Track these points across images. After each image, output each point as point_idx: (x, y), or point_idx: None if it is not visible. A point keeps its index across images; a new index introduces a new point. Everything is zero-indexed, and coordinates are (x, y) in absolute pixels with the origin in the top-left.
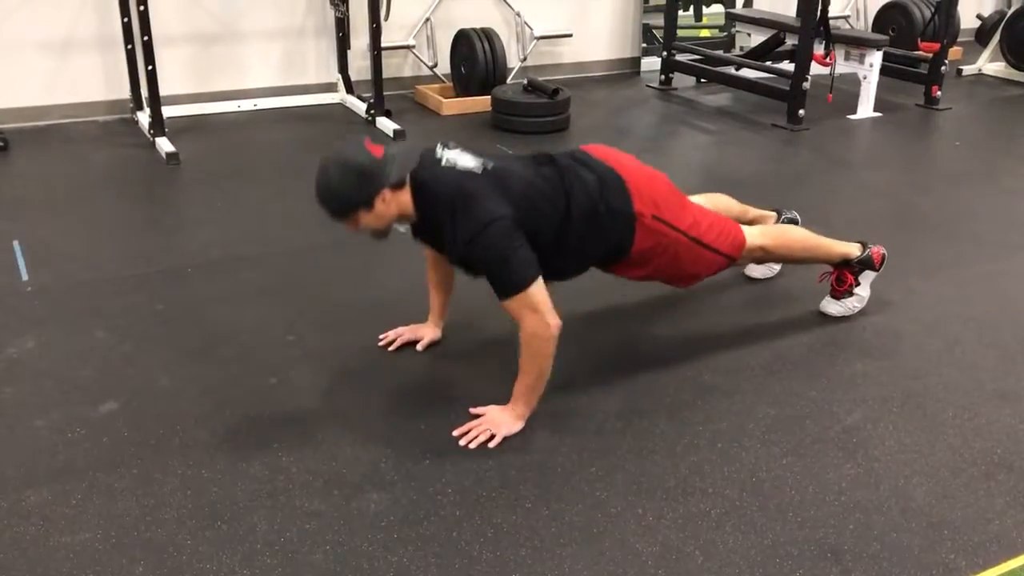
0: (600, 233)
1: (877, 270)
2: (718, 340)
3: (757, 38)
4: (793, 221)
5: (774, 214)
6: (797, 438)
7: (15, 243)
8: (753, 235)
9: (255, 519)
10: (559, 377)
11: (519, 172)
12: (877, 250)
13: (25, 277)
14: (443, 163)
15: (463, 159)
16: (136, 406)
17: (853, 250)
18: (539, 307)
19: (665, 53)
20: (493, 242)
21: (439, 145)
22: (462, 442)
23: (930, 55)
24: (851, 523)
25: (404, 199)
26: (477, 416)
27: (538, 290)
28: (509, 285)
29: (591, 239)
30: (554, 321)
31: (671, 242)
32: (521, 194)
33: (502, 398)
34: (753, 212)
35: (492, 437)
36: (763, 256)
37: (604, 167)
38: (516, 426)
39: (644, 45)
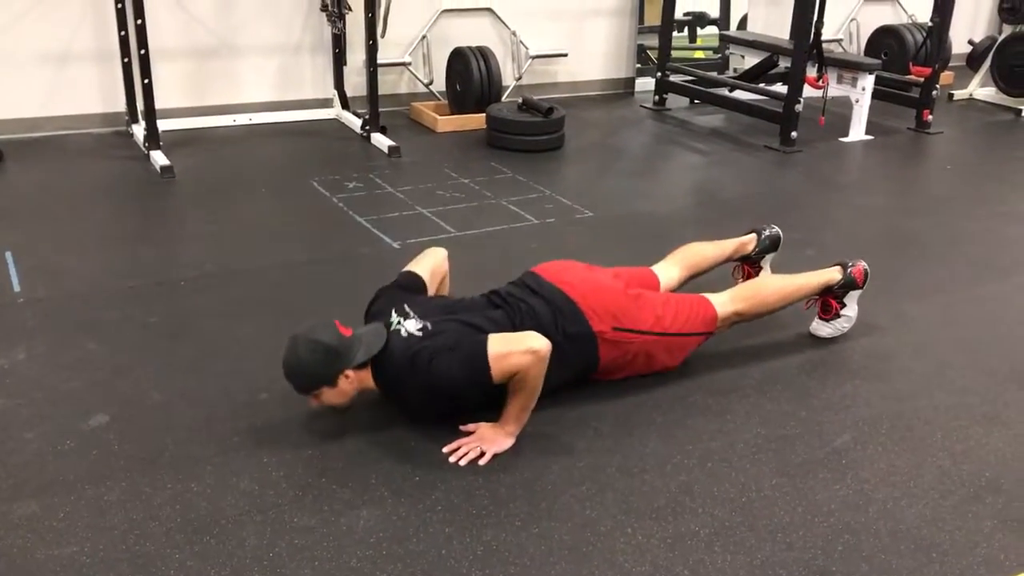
0: (561, 361)
1: (861, 287)
2: (709, 360)
3: (751, 60)
4: (775, 237)
5: (753, 237)
6: (787, 459)
7: (7, 254)
8: (724, 303)
9: (244, 534)
10: (549, 396)
11: (464, 323)
12: (858, 268)
13: (17, 288)
14: (391, 329)
15: (408, 324)
16: (127, 419)
17: (833, 276)
18: (510, 348)
19: (659, 74)
20: (442, 368)
21: (393, 311)
22: (452, 459)
23: (922, 79)
24: (840, 544)
25: (365, 376)
26: (467, 433)
27: (496, 342)
28: (481, 371)
29: (553, 369)
30: (538, 344)
31: (639, 344)
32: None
33: (492, 415)
34: (730, 247)
35: (482, 454)
36: (740, 320)
37: (554, 292)
38: (506, 443)
39: (639, 65)
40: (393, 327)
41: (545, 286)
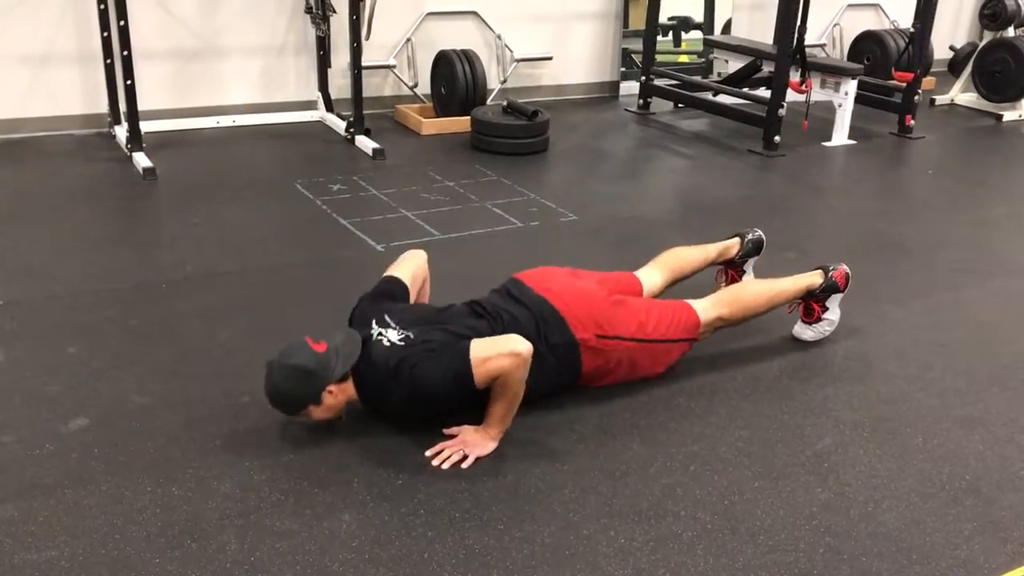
0: (544, 370)
1: (843, 291)
2: (692, 363)
3: (735, 64)
4: (757, 241)
5: (736, 241)
6: (769, 462)
7: None
8: (706, 309)
9: (225, 538)
10: (533, 399)
11: (448, 331)
12: (840, 272)
13: None
14: (373, 339)
15: (390, 334)
16: (107, 422)
17: (815, 280)
18: (493, 352)
19: (644, 78)
20: (424, 375)
21: (374, 321)
22: (435, 462)
23: (904, 84)
24: (821, 547)
25: (348, 387)
26: (451, 436)
27: (479, 346)
28: (464, 376)
29: (536, 378)
30: (520, 347)
31: (623, 351)
32: None
33: (476, 419)
34: (713, 251)
35: (465, 458)
36: (724, 324)
37: (538, 301)
38: (489, 447)
39: (623, 69)
40: (375, 338)
41: (528, 294)
